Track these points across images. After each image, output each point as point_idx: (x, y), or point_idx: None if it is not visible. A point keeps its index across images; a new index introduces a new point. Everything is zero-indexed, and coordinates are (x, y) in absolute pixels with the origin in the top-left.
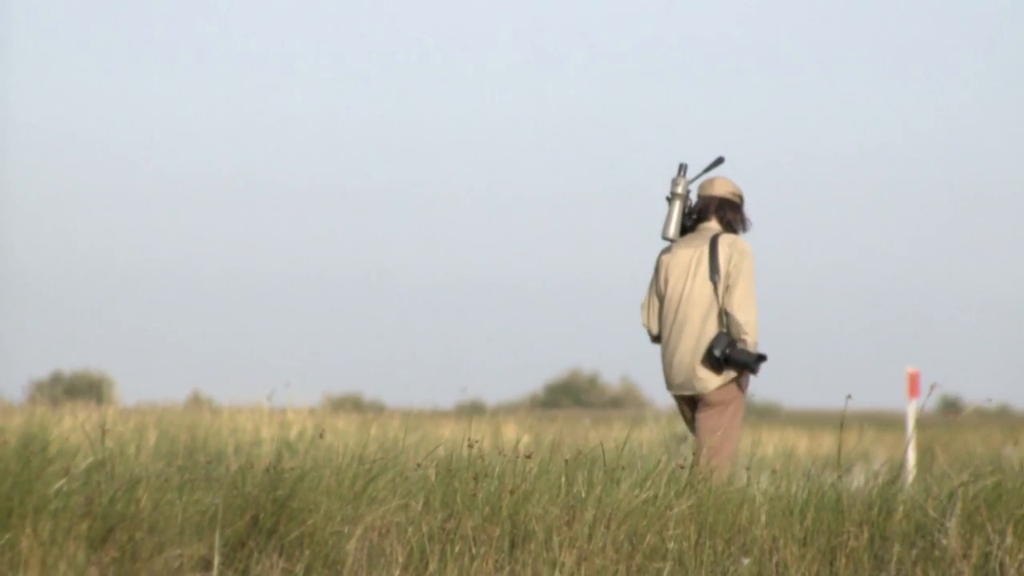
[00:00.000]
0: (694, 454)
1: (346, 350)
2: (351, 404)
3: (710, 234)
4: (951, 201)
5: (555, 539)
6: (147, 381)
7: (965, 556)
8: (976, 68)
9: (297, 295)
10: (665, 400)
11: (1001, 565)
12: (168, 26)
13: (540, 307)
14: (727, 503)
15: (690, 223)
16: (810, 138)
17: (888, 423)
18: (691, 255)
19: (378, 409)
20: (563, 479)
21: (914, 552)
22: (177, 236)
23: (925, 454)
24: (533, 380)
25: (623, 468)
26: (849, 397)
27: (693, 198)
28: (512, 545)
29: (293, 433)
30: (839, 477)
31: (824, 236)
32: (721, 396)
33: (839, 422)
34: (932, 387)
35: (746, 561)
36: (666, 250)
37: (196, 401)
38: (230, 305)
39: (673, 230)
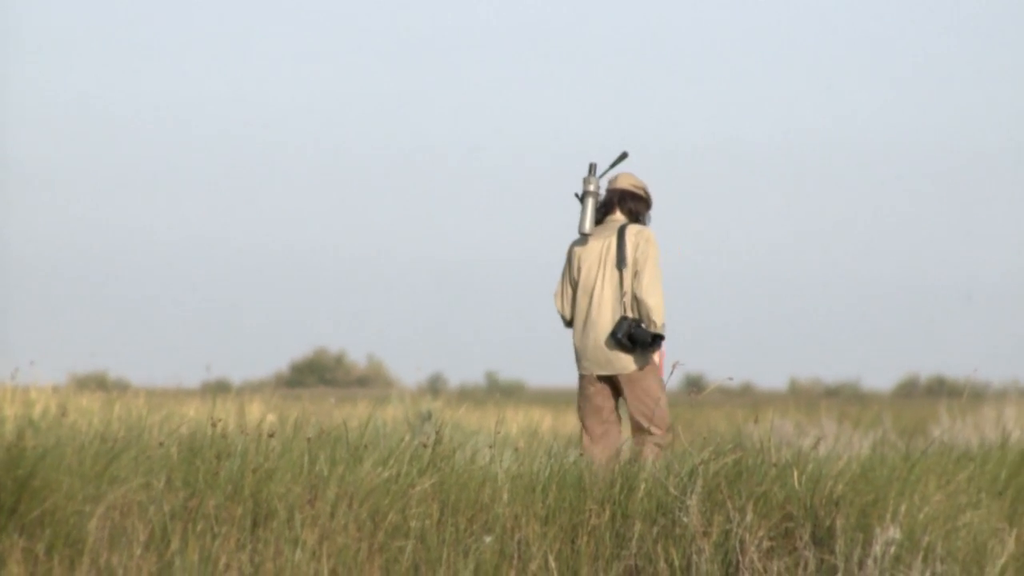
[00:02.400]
0: (592, 433)
1: (91, 328)
2: (96, 383)
3: (617, 225)
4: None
5: (297, 518)
6: None
7: (705, 533)
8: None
9: (42, 272)
10: (411, 379)
11: (741, 542)
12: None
13: (287, 285)
14: (469, 481)
15: (599, 216)
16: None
17: None
18: (601, 245)
19: (123, 388)
20: (306, 458)
21: (655, 530)
22: None
23: (667, 432)
24: (279, 359)
25: (366, 447)
26: None
27: (603, 193)
28: (254, 524)
29: (36, 412)
30: (581, 455)
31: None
32: (640, 373)
33: None
34: (675, 365)
35: (488, 539)
36: (578, 241)
37: None
38: None
39: (588, 225)
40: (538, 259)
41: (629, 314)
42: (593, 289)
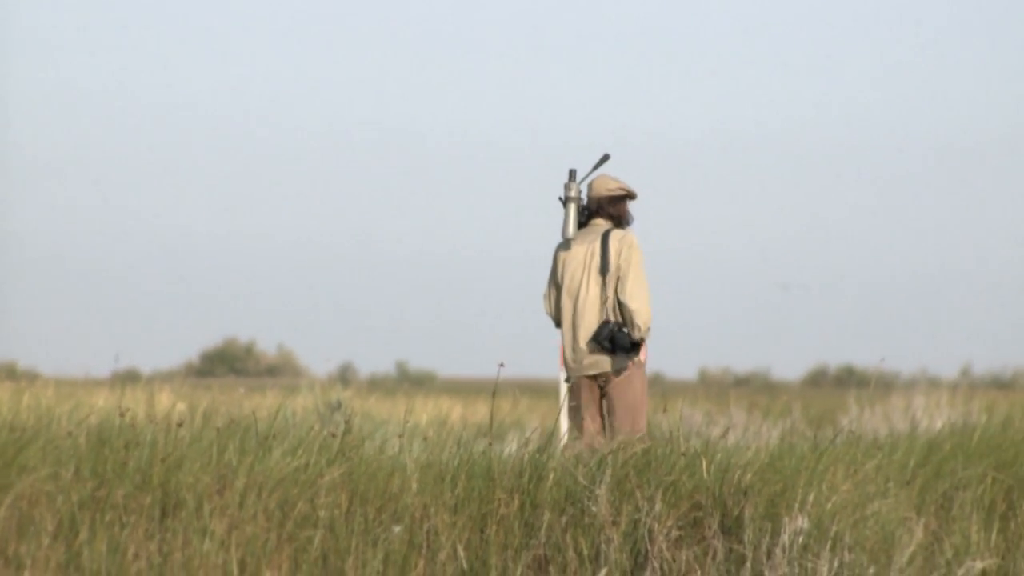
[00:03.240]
0: (579, 429)
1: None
2: (4, 372)
3: (601, 230)
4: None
5: (206, 507)
6: None
7: (614, 523)
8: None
9: None
10: (321, 368)
11: (650, 532)
12: None
13: (197, 275)
14: (378, 471)
15: (583, 220)
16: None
17: (543, 392)
18: (585, 250)
19: (32, 377)
20: (215, 447)
21: (564, 519)
22: None
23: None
24: (189, 348)
25: (275, 436)
26: (501, 365)
27: (585, 198)
28: (163, 514)
29: None
30: (490, 444)
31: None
32: (628, 375)
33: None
34: None
35: (397, 529)
36: (563, 246)
37: None
38: None
39: (572, 229)
40: (451, 251)
41: (612, 318)
42: (578, 293)
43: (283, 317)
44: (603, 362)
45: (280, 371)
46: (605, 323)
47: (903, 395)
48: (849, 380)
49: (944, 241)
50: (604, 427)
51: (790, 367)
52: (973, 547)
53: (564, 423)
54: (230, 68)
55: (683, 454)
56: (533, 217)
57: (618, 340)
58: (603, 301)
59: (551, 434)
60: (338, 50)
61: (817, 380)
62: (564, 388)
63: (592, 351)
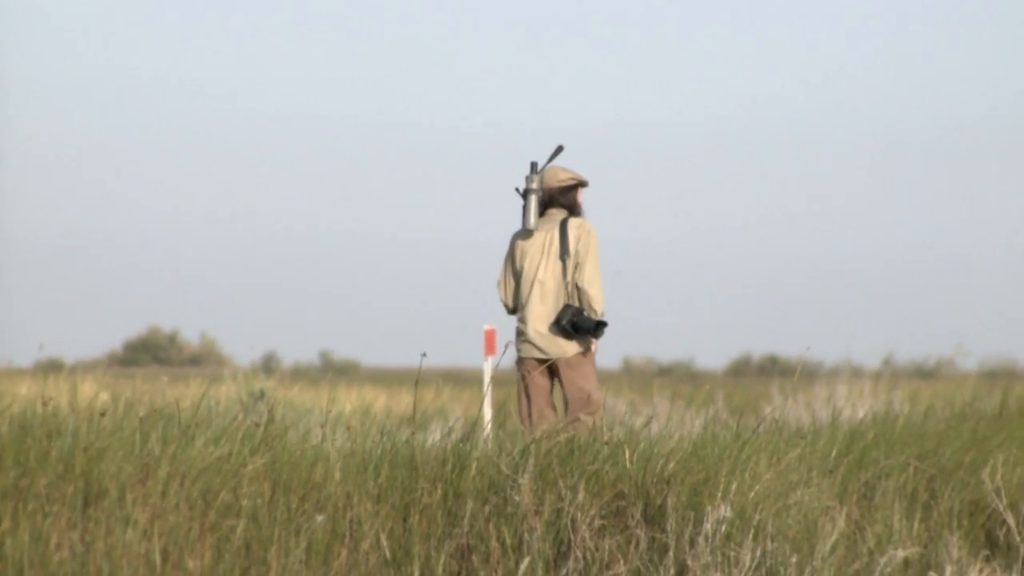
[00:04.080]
0: (528, 414)
1: None
2: None
3: (559, 218)
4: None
5: (129, 497)
6: None
7: (537, 512)
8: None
9: None
10: (244, 357)
11: (573, 521)
12: None
13: (121, 263)
14: (301, 460)
15: (540, 211)
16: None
17: (468, 380)
18: (543, 238)
19: None
20: (138, 437)
21: (487, 508)
22: None
23: (501, 411)
24: (112, 337)
25: (198, 426)
26: (424, 355)
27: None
28: (86, 503)
29: None
30: (412, 434)
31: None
32: (578, 359)
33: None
34: (508, 344)
35: (320, 518)
36: (520, 234)
37: None
38: None
39: (533, 221)
40: (374, 239)
41: (572, 303)
42: (535, 278)
43: (207, 306)
44: (556, 347)
45: (204, 360)
46: (567, 307)
47: (826, 384)
48: (772, 369)
49: (865, 231)
50: (552, 413)
51: (714, 357)
52: (895, 536)
53: (488, 411)
54: (162, 47)
55: (606, 443)
56: (458, 206)
57: (580, 323)
58: (563, 286)
59: (475, 423)
60: (272, 30)
61: (740, 369)
62: (488, 377)
63: (553, 334)
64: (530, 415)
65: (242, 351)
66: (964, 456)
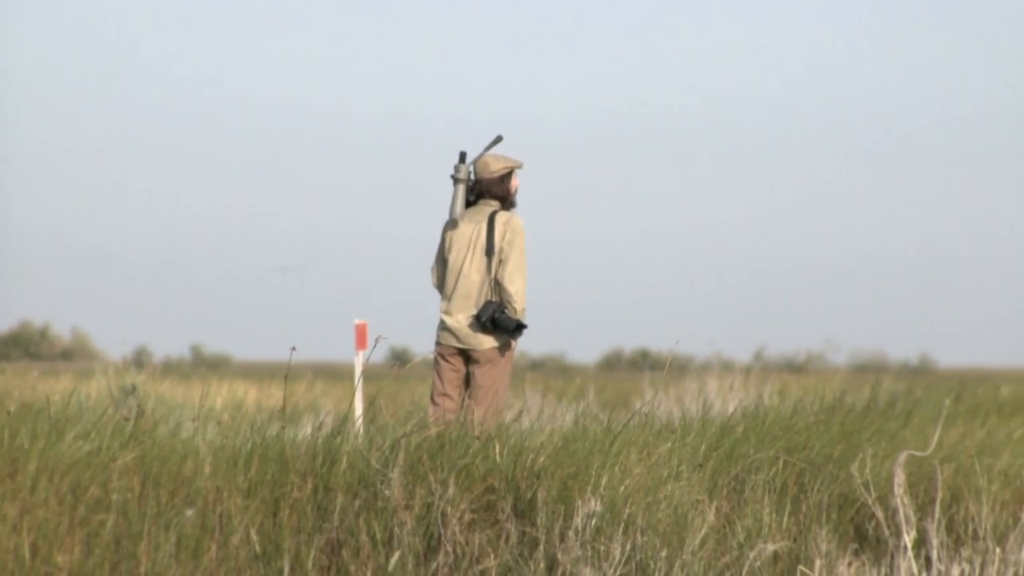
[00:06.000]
0: (442, 393)
1: None
2: None
3: (489, 211)
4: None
5: None
6: None
7: (408, 506)
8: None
9: None
10: (115, 352)
11: (443, 515)
12: None
13: None
14: (171, 454)
15: (473, 200)
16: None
17: (338, 375)
18: (472, 230)
19: None
20: (6, 431)
21: (357, 503)
22: None
23: (371, 406)
24: None
25: (68, 420)
26: (294, 349)
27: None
28: None
29: None
30: (283, 428)
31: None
32: (493, 354)
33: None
34: (378, 339)
35: (190, 512)
36: (450, 224)
37: None
38: None
39: (459, 210)
40: (247, 231)
41: (494, 299)
42: (460, 271)
43: (77, 301)
44: (474, 339)
45: (75, 355)
46: (489, 303)
47: (697, 378)
48: (644, 363)
49: (736, 227)
50: (456, 404)
51: (585, 350)
52: (765, 530)
53: (359, 406)
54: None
55: (477, 437)
56: (342, 196)
57: (500, 321)
58: (486, 281)
59: (345, 417)
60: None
61: (612, 363)
62: (360, 371)
63: (473, 329)
64: (442, 395)
65: (113, 346)
66: (833, 450)
